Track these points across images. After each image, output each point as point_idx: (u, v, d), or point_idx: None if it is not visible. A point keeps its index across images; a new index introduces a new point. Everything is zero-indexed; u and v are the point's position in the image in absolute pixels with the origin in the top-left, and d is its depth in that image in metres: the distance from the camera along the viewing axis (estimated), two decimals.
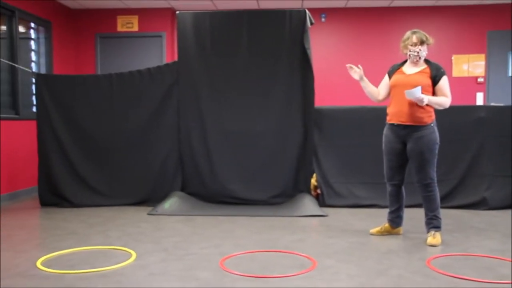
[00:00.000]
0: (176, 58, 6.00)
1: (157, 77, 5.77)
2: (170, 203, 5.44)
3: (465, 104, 6.60)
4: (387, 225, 4.33)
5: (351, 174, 5.69)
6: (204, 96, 5.72)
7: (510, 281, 3.08)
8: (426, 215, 4.10)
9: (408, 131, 4.02)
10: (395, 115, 4.08)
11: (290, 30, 5.63)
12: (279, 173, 5.66)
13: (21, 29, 6.87)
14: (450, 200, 5.47)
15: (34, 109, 6.56)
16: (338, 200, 5.63)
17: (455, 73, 8.29)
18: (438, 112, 4.12)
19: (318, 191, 5.68)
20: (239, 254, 3.75)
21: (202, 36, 5.71)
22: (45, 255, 3.71)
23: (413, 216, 4.85)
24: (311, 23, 5.70)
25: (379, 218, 4.86)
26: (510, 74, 8.23)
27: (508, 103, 7.47)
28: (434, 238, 3.99)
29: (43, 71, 7.40)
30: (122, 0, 7.84)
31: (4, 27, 6.49)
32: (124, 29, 8.38)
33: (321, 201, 5.60)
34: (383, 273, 3.26)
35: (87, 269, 3.37)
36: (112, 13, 8.36)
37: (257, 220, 4.99)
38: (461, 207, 5.45)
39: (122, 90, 5.79)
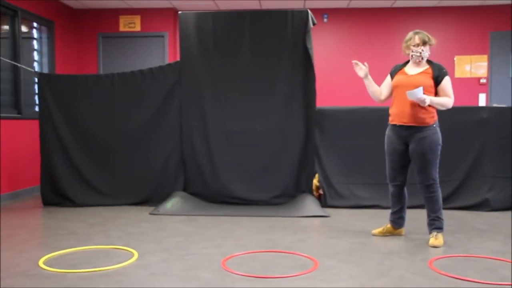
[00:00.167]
0: (178, 58, 6.01)
1: (159, 77, 5.77)
2: (172, 203, 5.44)
3: (468, 105, 6.58)
4: (389, 225, 4.32)
5: (353, 175, 5.68)
6: (206, 96, 5.72)
7: (510, 283, 3.08)
8: (428, 216, 4.09)
9: (410, 132, 4.01)
10: (397, 116, 4.07)
11: (292, 30, 5.62)
12: (280, 173, 5.66)
13: (24, 28, 6.88)
14: (452, 201, 5.46)
15: (37, 108, 6.57)
16: (340, 201, 5.62)
17: (457, 74, 8.28)
18: (441, 113, 4.11)
19: (320, 191, 5.68)
20: (240, 254, 3.74)
21: (204, 36, 5.71)
22: (46, 254, 3.71)
23: (415, 217, 4.84)
24: (313, 24, 5.69)
25: (381, 219, 4.85)
26: None
27: (511, 104, 7.46)
28: (436, 239, 3.98)
29: (45, 70, 7.41)
30: (124, 0, 7.85)
31: (6, 27, 6.51)
32: (126, 29, 8.39)
33: (323, 202, 5.59)
34: (384, 274, 3.25)
35: (88, 268, 3.37)
36: (115, 13, 8.36)
37: (259, 220, 4.99)
38: (463, 208, 5.43)
39: (124, 90, 5.80)
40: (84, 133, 5.82)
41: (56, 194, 5.79)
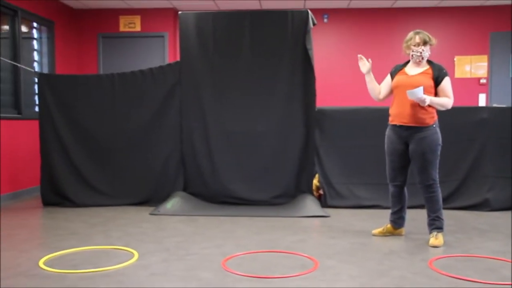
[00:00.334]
0: (178, 58, 6.00)
1: (159, 77, 5.77)
2: (172, 203, 5.44)
3: (468, 105, 6.58)
4: (389, 226, 4.32)
5: (353, 175, 5.68)
6: (206, 96, 5.72)
7: (511, 283, 3.08)
8: (429, 216, 4.09)
9: (410, 132, 4.01)
10: (398, 116, 4.07)
11: (292, 30, 5.62)
12: (281, 173, 5.66)
13: (24, 28, 6.88)
14: (452, 201, 5.46)
15: (37, 108, 6.57)
16: (340, 201, 5.62)
17: (457, 74, 8.28)
18: (441, 113, 4.11)
19: (321, 191, 5.68)
20: (241, 254, 3.75)
21: (204, 37, 5.71)
22: (47, 254, 3.71)
23: (415, 217, 4.85)
24: (314, 24, 5.69)
25: (381, 219, 4.85)
26: None
27: (511, 104, 7.46)
28: (436, 239, 3.98)
29: (45, 70, 7.41)
30: (124, 0, 7.85)
31: (6, 27, 6.51)
32: (127, 29, 8.39)
33: (323, 202, 5.59)
34: (385, 274, 3.26)
35: (89, 269, 3.37)
36: (115, 13, 8.36)
37: (259, 220, 4.99)
38: (464, 208, 5.44)
39: (124, 90, 5.80)
40: (84, 133, 5.82)
41: (56, 194, 5.79)
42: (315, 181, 5.70)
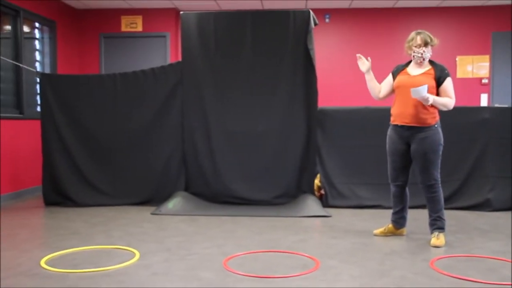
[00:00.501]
0: (180, 58, 6.01)
1: (161, 77, 5.78)
2: (173, 203, 5.44)
3: (469, 105, 6.57)
4: (390, 226, 4.32)
5: (354, 175, 5.68)
6: (208, 96, 5.72)
7: (508, 283, 3.07)
8: (430, 216, 4.09)
9: (412, 132, 4.01)
10: (399, 116, 4.07)
11: (294, 30, 5.62)
12: (282, 173, 5.66)
13: (26, 28, 6.89)
14: (454, 201, 5.46)
15: (38, 108, 6.58)
16: (341, 201, 5.62)
17: (459, 74, 8.27)
18: (442, 113, 4.10)
19: (322, 191, 5.68)
20: (242, 254, 3.75)
21: (206, 36, 5.71)
22: (48, 254, 3.71)
23: (417, 217, 4.84)
24: (315, 24, 5.69)
25: (383, 219, 4.85)
26: None
27: None
28: (437, 239, 3.97)
29: (47, 70, 7.42)
30: (126, 0, 7.86)
31: (8, 27, 6.52)
32: (128, 29, 8.39)
33: (325, 202, 5.59)
34: (386, 274, 3.25)
35: (90, 268, 3.37)
36: (116, 13, 8.37)
37: (260, 220, 4.99)
38: (465, 208, 5.43)
39: (126, 90, 5.80)
40: (86, 133, 5.82)
41: (58, 194, 5.80)
42: (317, 181, 5.70)
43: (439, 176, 4.03)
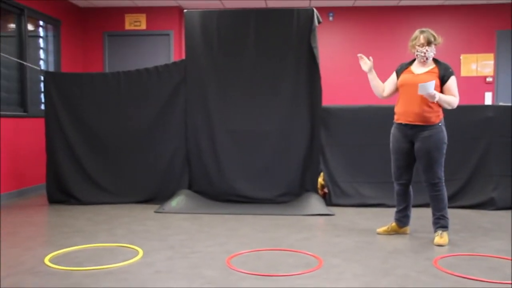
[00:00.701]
0: (183, 57, 6.01)
1: (164, 76, 5.78)
2: (176, 201, 5.45)
3: (474, 104, 6.55)
4: (394, 224, 4.31)
5: (358, 173, 5.67)
6: (211, 94, 5.72)
7: (510, 282, 3.07)
8: (434, 214, 4.08)
9: (415, 131, 4.00)
10: (403, 114, 4.06)
11: (298, 29, 5.61)
12: (285, 172, 5.66)
13: (30, 27, 6.90)
14: (457, 200, 5.45)
15: (42, 106, 6.60)
16: (345, 199, 5.61)
17: (463, 73, 8.25)
18: (446, 112, 4.10)
19: (325, 190, 5.67)
20: (245, 252, 3.75)
21: (209, 35, 5.71)
22: (52, 252, 3.72)
23: (421, 216, 4.84)
24: (319, 22, 5.68)
25: (386, 217, 4.85)
26: None
27: None
28: (441, 237, 3.97)
29: (51, 69, 7.44)
30: None
31: (13, 25, 6.53)
32: (132, 28, 8.41)
33: (328, 200, 5.59)
34: (389, 273, 3.25)
35: (94, 266, 3.38)
36: (120, 12, 8.39)
37: (264, 218, 4.99)
38: (468, 207, 5.42)
39: (130, 88, 5.81)
40: (89, 131, 5.83)
41: (61, 192, 5.81)
42: (320, 179, 5.70)
43: (443, 174, 4.02)
